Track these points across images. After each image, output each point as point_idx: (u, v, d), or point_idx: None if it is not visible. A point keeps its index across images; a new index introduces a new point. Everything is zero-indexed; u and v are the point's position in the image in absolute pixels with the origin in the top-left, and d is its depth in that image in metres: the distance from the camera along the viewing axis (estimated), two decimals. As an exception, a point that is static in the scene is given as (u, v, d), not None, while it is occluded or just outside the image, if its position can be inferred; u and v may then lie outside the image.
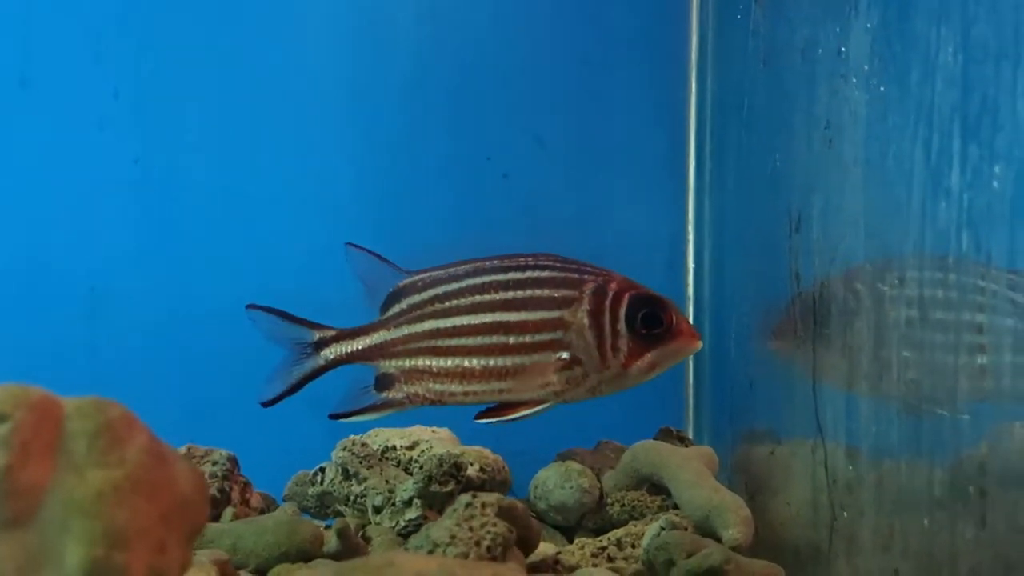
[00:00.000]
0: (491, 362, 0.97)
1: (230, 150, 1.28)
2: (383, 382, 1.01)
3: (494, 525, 0.71)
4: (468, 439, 1.06)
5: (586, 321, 0.95)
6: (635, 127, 1.36)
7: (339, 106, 1.31)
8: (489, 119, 1.33)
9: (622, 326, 0.95)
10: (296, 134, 1.30)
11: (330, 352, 1.01)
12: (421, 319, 0.99)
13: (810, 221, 0.87)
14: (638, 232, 1.35)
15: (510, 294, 0.97)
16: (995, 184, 0.57)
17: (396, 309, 1.00)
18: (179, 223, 1.28)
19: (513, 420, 0.98)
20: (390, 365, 1.00)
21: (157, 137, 1.27)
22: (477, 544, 0.69)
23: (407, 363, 0.99)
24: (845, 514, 0.81)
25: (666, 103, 1.36)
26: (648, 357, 0.95)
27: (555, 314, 0.96)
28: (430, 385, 0.99)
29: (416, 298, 1.00)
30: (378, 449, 1.03)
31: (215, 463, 0.97)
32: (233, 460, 0.99)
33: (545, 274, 0.97)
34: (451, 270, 0.99)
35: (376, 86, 1.31)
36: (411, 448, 1.04)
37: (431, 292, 0.99)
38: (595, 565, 0.86)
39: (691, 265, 1.34)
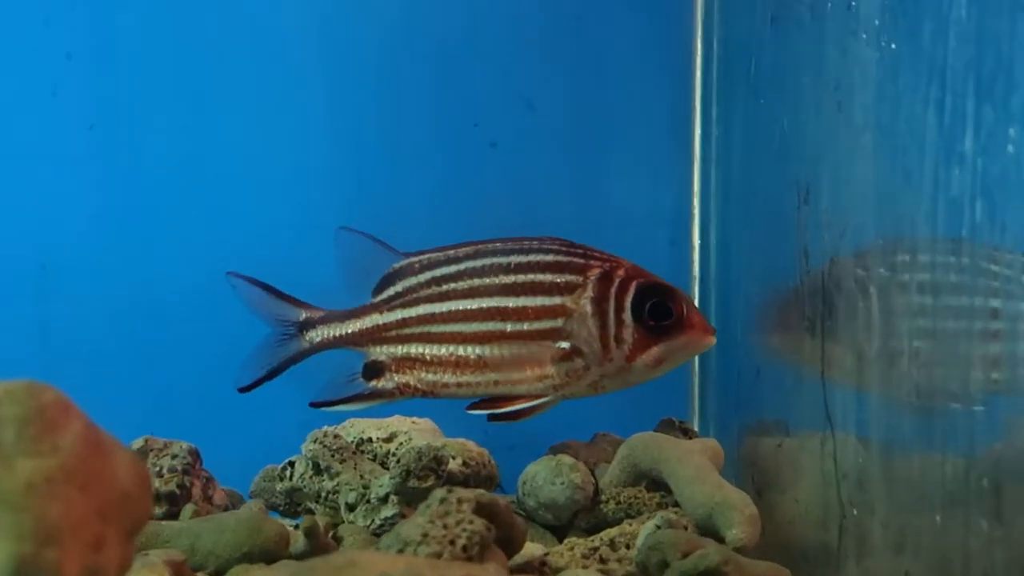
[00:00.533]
0: (486, 351, 0.97)
1: (194, 116, 1.28)
2: (372, 370, 1.02)
3: (470, 523, 0.70)
4: (453, 432, 1.06)
5: (588, 309, 0.95)
6: (636, 91, 1.35)
7: (313, 68, 1.30)
8: (476, 82, 1.32)
9: (627, 316, 0.95)
10: (267, 99, 1.29)
11: (316, 335, 1.01)
12: (415, 303, 0.99)
13: (819, 192, 0.87)
14: (639, 206, 1.35)
15: (510, 278, 0.97)
16: (1010, 148, 0.57)
17: (390, 292, 1.01)
18: (138, 195, 1.28)
19: (508, 416, 0.98)
20: (380, 352, 1.00)
21: (113, 102, 1.27)
22: (452, 543, 0.69)
23: (399, 350, 0.99)
24: (855, 511, 0.81)
25: (670, 65, 1.35)
26: (655, 351, 0.96)
27: (556, 300, 0.96)
28: (422, 375, 0.99)
29: (412, 281, 1.00)
30: (352, 441, 1.03)
31: (175, 456, 0.97)
32: (195, 453, 0.99)
33: (549, 258, 0.97)
34: (450, 252, 1.00)
35: (353, 47, 1.31)
36: (388, 440, 1.03)
37: (427, 275, 1.00)
38: (585, 567, 0.86)
39: (696, 242, 1.33)
